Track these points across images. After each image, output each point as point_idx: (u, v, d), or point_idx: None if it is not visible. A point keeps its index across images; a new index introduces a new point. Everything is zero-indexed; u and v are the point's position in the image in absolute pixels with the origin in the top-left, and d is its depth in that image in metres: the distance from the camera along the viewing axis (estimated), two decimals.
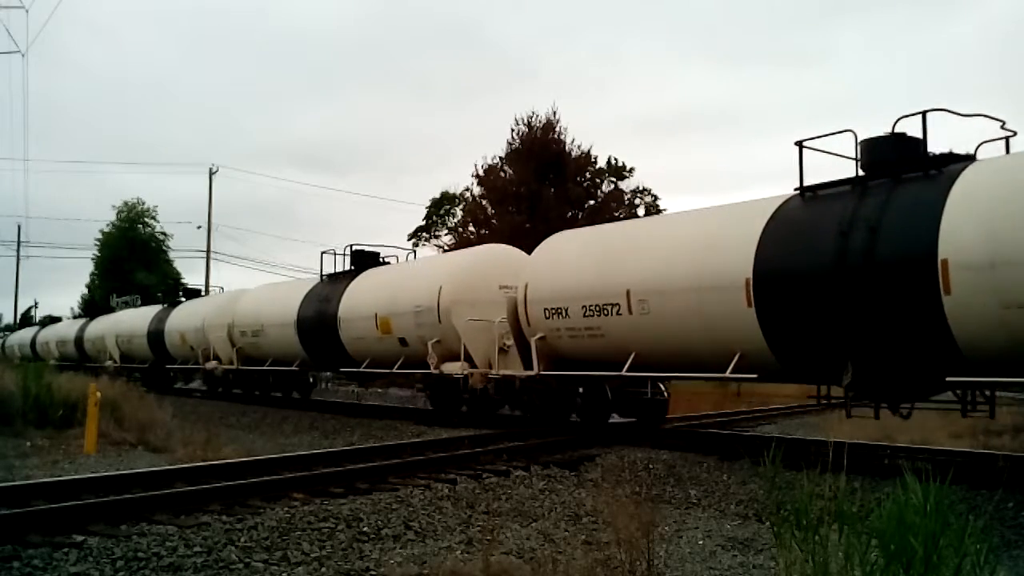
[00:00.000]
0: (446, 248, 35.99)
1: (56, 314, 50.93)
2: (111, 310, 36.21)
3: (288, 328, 20.47)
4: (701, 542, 6.63)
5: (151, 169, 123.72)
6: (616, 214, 31.49)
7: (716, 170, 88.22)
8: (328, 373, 25.21)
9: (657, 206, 35.72)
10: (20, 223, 60.03)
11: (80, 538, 6.11)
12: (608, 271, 11.88)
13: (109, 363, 31.67)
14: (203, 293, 39.35)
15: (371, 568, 5.64)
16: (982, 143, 9.99)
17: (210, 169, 46.08)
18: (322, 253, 20.44)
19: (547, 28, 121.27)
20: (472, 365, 14.68)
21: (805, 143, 10.00)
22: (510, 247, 17.09)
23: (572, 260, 12.95)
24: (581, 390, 14.08)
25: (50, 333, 42.14)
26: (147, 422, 13.55)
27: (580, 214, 32.50)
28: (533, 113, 33.88)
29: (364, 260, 19.71)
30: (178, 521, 6.75)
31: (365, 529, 6.68)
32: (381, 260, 19.85)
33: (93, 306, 46.30)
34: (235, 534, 6.31)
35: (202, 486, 8.01)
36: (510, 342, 13.91)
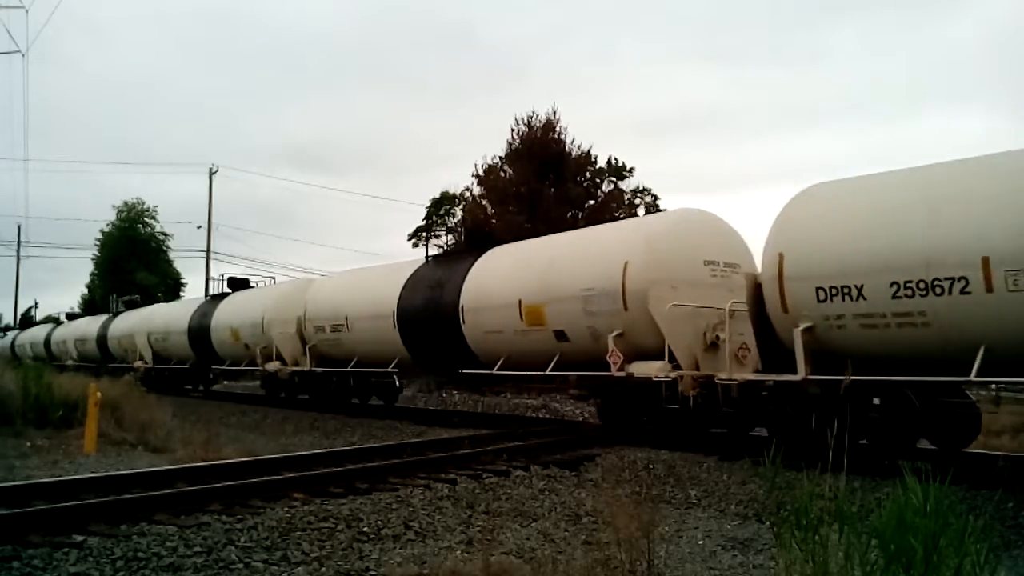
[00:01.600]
0: (446, 248, 35.94)
1: (55, 313, 50.23)
2: (137, 304, 33.37)
3: (383, 321, 16.72)
4: (701, 542, 6.63)
5: (150, 169, 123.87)
6: (616, 214, 31.48)
7: (713, 171, 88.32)
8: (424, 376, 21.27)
9: (657, 206, 35.70)
10: (20, 223, 59.99)
11: (80, 538, 6.11)
12: (942, 230, 8.42)
13: (139, 364, 28.47)
14: (207, 293, 38.97)
15: (371, 568, 5.64)
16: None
17: (210, 169, 46.11)
18: (427, 230, 17.73)
19: (544, 29, 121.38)
20: (676, 366, 11.26)
21: None
22: (708, 212, 12.89)
23: (866, 217, 9.32)
24: (877, 401, 9.70)
25: (67, 331, 38.33)
26: (147, 422, 13.56)
27: (580, 214, 32.48)
28: (533, 113, 33.86)
29: (483, 239, 16.48)
30: (178, 521, 6.75)
31: (365, 529, 6.68)
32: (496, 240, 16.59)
33: (93, 306, 46.13)
34: (235, 534, 6.32)
35: (202, 486, 8.01)
36: (723, 335, 10.99)
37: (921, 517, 3.36)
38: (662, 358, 11.21)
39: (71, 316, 43.41)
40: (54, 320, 47.20)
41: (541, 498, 8.20)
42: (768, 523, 5.32)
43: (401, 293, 16.55)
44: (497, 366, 14.11)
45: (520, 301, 13.38)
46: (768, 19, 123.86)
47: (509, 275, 14.05)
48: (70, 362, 34.10)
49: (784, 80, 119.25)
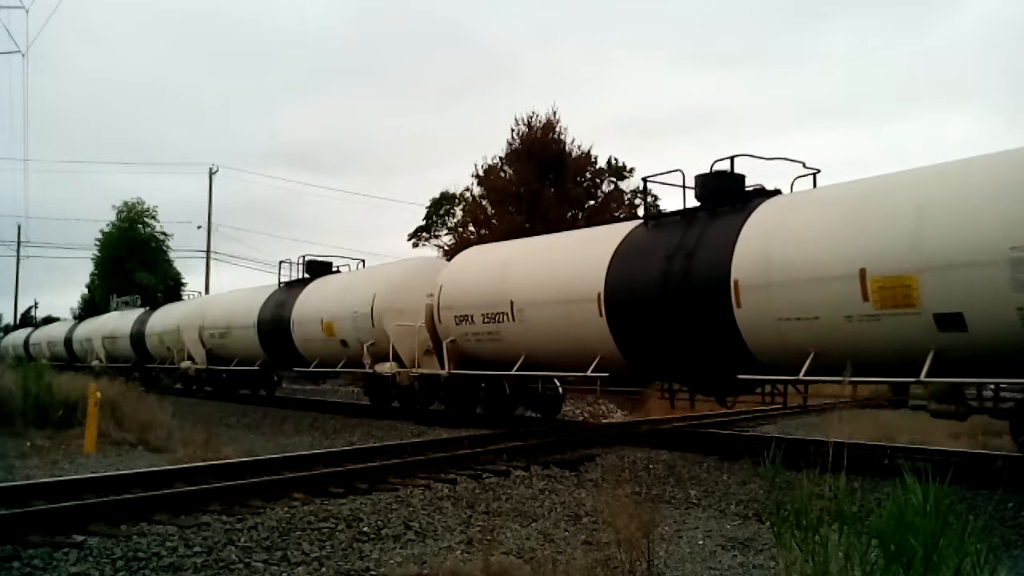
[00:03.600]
0: (446, 248, 35.95)
1: (56, 314, 49.67)
2: (172, 297, 30.40)
3: (582, 307, 12.08)
4: (701, 542, 6.63)
5: (149, 169, 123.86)
6: (616, 214, 31.47)
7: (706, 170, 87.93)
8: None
9: (657, 207, 35.67)
10: (20, 223, 59.87)
11: (80, 538, 6.11)
12: None
13: (187, 364, 24.55)
14: (203, 293, 38.66)
15: (371, 568, 5.64)
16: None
17: (210, 169, 46.04)
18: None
19: (539, 29, 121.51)
20: None
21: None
22: None
23: None
24: None
25: (92, 328, 34.05)
26: (147, 422, 13.54)
27: (580, 214, 32.49)
28: (533, 113, 33.86)
29: (725, 186, 11.42)
30: (178, 521, 6.75)
31: (365, 529, 6.68)
32: (748, 187, 11.39)
33: (93, 307, 46.02)
34: (235, 534, 6.32)
35: (202, 486, 8.01)
36: None
37: (921, 517, 3.36)
38: None
39: (85, 314, 40.08)
40: (54, 320, 46.74)
41: (541, 498, 8.21)
42: (768, 523, 5.32)
43: (610, 267, 11.85)
44: (803, 370, 9.56)
45: (863, 272, 8.93)
46: (765, 20, 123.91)
47: (832, 232, 9.46)
48: (96, 363, 30.81)
49: (779, 81, 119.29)
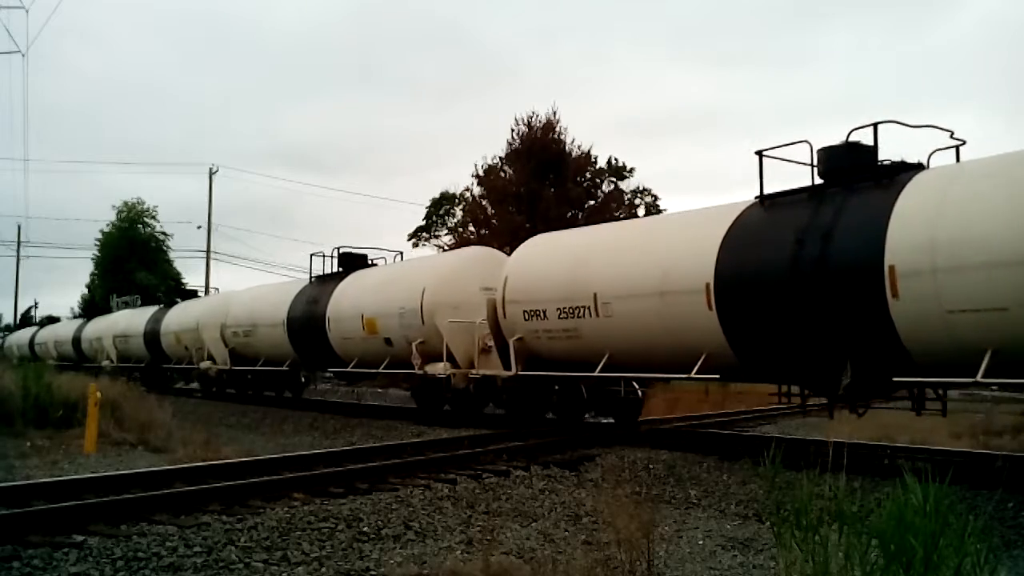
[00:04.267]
0: (446, 248, 35.96)
1: (55, 314, 49.27)
2: (185, 295, 29.50)
3: (686, 299, 10.54)
4: (701, 542, 6.63)
5: (149, 169, 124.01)
6: (616, 214, 31.50)
7: (709, 171, 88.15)
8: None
9: (657, 206, 35.73)
10: (20, 223, 59.87)
11: (80, 538, 6.11)
12: None
13: (207, 364, 23.46)
14: (202, 293, 38.65)
15: (371, 568, 5.64)
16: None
17: (210, 169, 46.02)
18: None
19: (538, 29, 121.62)
20: None
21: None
22: None
23: None
24: None
25: (102, 327, 32.54)
26: (147, 422, 13.55)
27: (580, 214, 32.50)
28: (533, 113, 33.91)
29: (858, 160, 9.80)
30: (178, 521, 6.75)
31: (365, 529, 6.68)
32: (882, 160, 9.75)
33: (93, 306, 45.96)
34: (235, 534, 6.32)
35: (202, 486, 8.01)
36: None
37: (921, 517, 3.36)
38: None
39: (85, 314, 39.31)
40: (55, 320, 46.59)
41: (541, 498, 8.21)
42: (768, 523, 5.33)
43: (720, 254, 10.30)
44: (981, 371, 7.99)
45: None
46: (765, 20, 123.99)
47: (1021, 206, 7.82)
48: (107, 363, 29.90)
49: (779, 81, 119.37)
